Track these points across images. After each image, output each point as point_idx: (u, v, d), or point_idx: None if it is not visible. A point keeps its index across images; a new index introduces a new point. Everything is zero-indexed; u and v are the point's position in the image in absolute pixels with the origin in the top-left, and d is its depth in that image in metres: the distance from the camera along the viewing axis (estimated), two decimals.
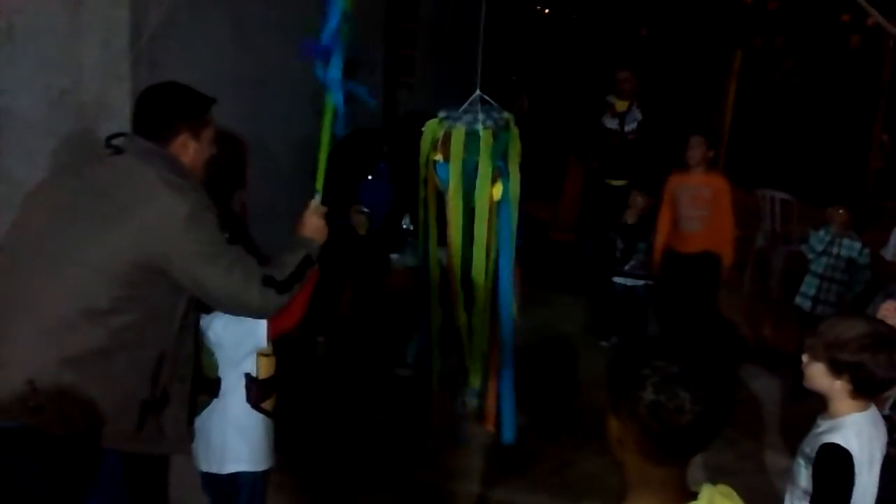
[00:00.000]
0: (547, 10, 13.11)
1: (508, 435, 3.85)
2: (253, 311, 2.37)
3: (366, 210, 4.32)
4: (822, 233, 4.74)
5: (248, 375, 2.57)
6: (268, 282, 2.31)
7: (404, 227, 4.78)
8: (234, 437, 2.60)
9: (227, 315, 2.51)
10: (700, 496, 1.41)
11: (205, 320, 2.55)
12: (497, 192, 3.62)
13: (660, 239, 5.25)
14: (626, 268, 5.40)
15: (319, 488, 3.62)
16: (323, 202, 2.67)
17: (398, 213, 4.62)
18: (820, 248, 4.71)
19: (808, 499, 2.26)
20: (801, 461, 2.31)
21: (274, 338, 2.56)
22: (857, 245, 4.65)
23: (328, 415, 4.18)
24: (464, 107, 3.61)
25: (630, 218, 5.34)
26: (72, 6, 3.32)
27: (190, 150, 2.40)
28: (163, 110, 2.39)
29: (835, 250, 4.70)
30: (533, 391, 4.47)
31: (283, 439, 2.78)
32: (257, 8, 4.15)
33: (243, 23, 4.02)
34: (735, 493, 1.47)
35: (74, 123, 3.39)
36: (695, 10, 12.78)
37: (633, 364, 1.40)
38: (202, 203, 2.28)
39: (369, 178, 4.44)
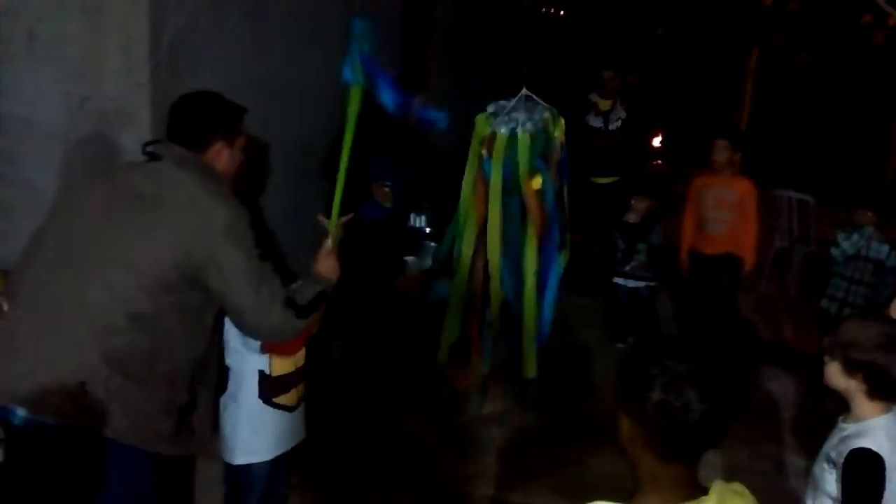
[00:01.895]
0: (562, 12, 13.09)
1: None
2: (271, 329, 2.39)
3: (388, 183, 4.35)
4: (855, 237, 4.66)
5: (261, 373, 2.63)
6: (289, 303, 2.35)
7: (419, 227, 4.79)
8: (244, 430, 2.66)
9: None
10: (710, 492, 1.42)
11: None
12: (536, 183, 3.76)
13: (685, 241, 5.25)
14: (627, 268, 5.41)
15: (335, 491, 3.64)
16: (348, 198, 2.71)
17: (412, 189, 4.66)
18: (852, 251, 4.66)
19: None
20: (826, 466, 2.28)
21: (266, 351, 2.60)
22: (886, 248, 4.60)
23: (344, 418, 4.20)
24: (511, 104, 3.72)
25: (632, 217, 5.34)
26: (92, 14, 3.35)
27: (223, 158, 2.46)
28: (199, 119, 2.45)
29: (863, 253, 4.66)
30: (549, 393, 4.47)
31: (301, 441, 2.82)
32: (276, 14, 4.18)
33: (263, 29, 4.05)
34: (747, 492, 1.48)
35: (95, 131, 3.42)
36: (711, 9, 12.71)
37: (642, 364, 1.43)
38: (241, 213, 2.33)
39: (375, 154, 4.43)
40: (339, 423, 4.10)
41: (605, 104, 6.07)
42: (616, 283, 5.48)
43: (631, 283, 5.42)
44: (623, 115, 6.03)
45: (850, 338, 2.25)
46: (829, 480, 2.26)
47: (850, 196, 5.22)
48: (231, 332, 2.60)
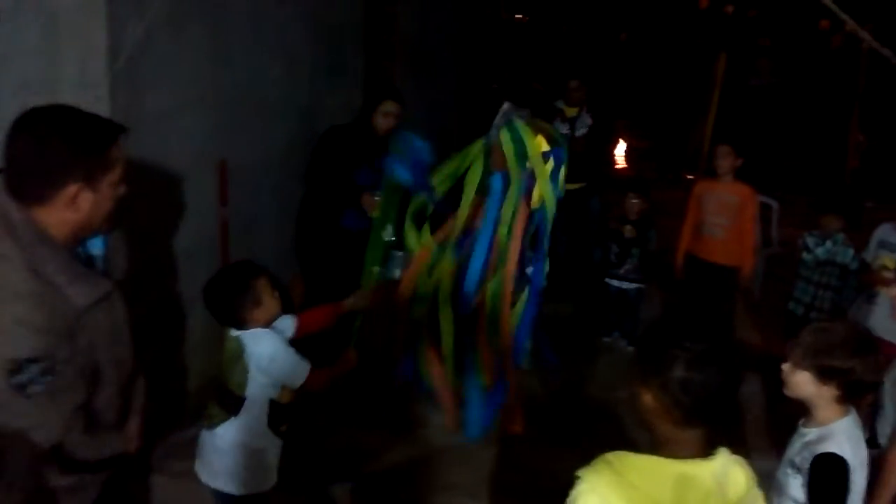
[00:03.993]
0: (526, 18, 13.17)
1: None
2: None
3: (379, 193, 4.30)
4: (829, 244, 4.67)
5: (272, 401, 2.71)
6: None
7: (387, 239, 4.76)
8: (232, 460, 2.70)
9: (277, 346, 2.66)
10: (718, 454, 1.67)
11: (250, 336, 2.65)
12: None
13: (683, 244, 5.35)
14: (621, 271, 5.55)
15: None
16: (330, 205, 2.64)
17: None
18: (825, 258, 4.70)
19: None
20: (789, 471, 2.31)
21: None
22: (850, 251, 4.64)
23: (309, 431, 4.17)
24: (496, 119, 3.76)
25: (627, 230, 5.44)
26: (49, 26, 3.30)
27: (83, 204, 1.86)
28: (37, 159, 1.82)
29: (831, 258, 4.69)
30: (524, 401, 4.47)
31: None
32: (237, 26, 4.14)
33: (223, 41, 4.01)
34: (746, 464, 1.74)
35: None
36: (675, 15, 12.86)
37: (664, 345, 1.63)
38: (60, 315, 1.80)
39: (364, 167, 4.37)
40: (303, 435, 4.07)
41: (571, 111, 6.13)
42: (608, 284, 5.63)
43: (625, 285, 5.58)
44: (589, 121, 6.10)
45: (822, 345, 2.26)
46: (794, 486, 2.28)
47: (812, 198, 5.29)
48: (253, 361, 2.64)
